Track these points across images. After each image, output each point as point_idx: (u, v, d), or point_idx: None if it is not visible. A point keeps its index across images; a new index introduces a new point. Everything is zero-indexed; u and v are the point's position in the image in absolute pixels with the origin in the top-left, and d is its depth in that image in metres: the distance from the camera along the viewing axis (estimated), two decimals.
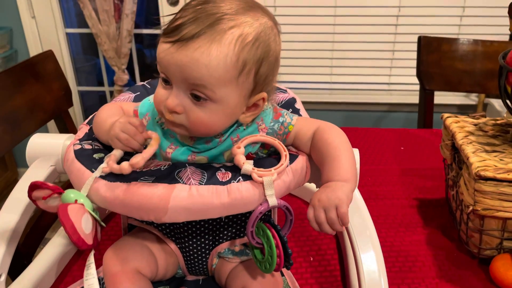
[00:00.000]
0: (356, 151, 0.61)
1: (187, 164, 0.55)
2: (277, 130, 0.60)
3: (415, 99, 2.29)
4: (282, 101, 0.70)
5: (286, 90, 0.74)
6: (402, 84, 2.30)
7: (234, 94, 0.53)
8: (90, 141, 0.60)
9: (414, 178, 1.00)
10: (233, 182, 0.51)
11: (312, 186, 0.88)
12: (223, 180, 0.51)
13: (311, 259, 0.76)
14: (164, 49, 0.51)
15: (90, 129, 0.63)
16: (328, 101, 2.31)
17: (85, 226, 0.51)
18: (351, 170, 0.54)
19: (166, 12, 2.16)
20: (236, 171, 0.53)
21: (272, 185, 0.51)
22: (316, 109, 2.33)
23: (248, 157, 0.57)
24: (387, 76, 2.31)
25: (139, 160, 0.51)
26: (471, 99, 2.23)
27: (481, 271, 0.73)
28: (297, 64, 2.26)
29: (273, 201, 0.52)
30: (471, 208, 0.69)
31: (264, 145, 0.59)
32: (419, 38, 1.29)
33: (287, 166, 0.55)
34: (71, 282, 0.69)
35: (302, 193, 0.91)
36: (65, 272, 0.72)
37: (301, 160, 0.58)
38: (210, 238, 0.63)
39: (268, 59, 0.54)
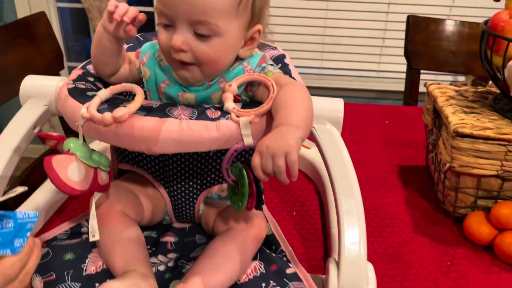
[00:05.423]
0: (340, 101, 0.64)
1: (177, 104, 0.57)
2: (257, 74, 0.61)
3: (403, 87, 2.37)
4: (271, 57, 0.72)
5: (276, 48, 0.76)
6: (392, 72, 2.34)
7: (235, 25, 0.56)
8: (84, 82, 0.62)
9: (397, 148, 1.03)
10: (222, 119, 0.53)
11: (307, 153, 0.90)
12: (213, 117, 0.54)
13: (294, 213, 0.79)
14: None
15: (84, 73, 0.65)
16: (318, 86, 2.33)
17: (72, 174, 0.53)
18: (306, 118, 0.53)
19: None
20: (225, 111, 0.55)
21: (248, 125, 0.53)
22: None
23: (235, 99, 0.58)
24: (376, 63, 2.35)
25: (124, 113, 0.51)
26: None
27: (455, 228, 0.77)
28: (288, 48, 2.28)
29: (248, 141, 0.53)
30: (448, 165, 0.72)
31: (246, 87, 0.61)
32: (408, 17, 1.32)
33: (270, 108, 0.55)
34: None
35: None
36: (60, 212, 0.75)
37: None
38: (199, 182, 0.65)
39: None
